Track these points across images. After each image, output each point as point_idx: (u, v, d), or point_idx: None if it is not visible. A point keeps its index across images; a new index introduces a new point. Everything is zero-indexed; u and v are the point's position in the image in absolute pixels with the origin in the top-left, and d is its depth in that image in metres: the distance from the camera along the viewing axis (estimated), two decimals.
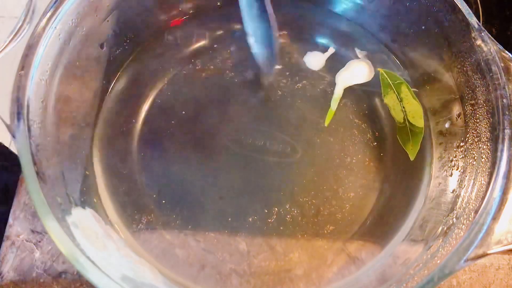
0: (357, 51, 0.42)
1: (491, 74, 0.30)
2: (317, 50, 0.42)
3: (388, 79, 0.40)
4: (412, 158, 0.38)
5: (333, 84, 0.41)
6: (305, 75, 0.41)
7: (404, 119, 0.39)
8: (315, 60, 0.41)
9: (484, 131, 0.31)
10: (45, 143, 0.30)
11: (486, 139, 0.31)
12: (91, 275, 0.26)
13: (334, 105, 0.40)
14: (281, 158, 0.38)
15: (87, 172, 0.36)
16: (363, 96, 0.41)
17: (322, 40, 0.43)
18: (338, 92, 0.40)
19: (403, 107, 0.39)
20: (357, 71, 0.41)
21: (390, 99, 0.40)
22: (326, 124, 0.39)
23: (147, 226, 0.35)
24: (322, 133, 0.39)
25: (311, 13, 0.43)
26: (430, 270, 0.27)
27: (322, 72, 0.41)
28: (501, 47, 0.31)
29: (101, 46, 0.37)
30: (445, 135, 0.37)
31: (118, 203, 0.36)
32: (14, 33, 0.29)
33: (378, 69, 0.40)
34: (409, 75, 0.41)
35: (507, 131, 0.29)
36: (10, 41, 0.29)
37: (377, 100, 0.40)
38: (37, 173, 0.27)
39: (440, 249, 0.29)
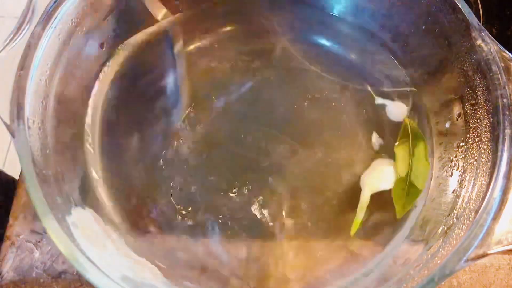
0: (374, 139, 0.38)
1: (491, 74, 0.30)
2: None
3: (409, 130, 0.37)
4: (399, 216, 0.35)
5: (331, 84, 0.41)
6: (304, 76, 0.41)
7: (406, 175, 0.36)
8: (397, 111, 0.39)
9: (485, 131, 0.31)
10: (45, 143, 0.30)
11: (487, 139, 0.31)
12: (91, 275, 0.26)
13: (360, 214, 0.36)
14: (282, 159, 0.38)
15: (87, 172, 0.36)
16: (366, 99, 0.41)
17: (321, 40, 0.43)
18: (365, 199, 0.36)
19: (411, 163, 0.36)
20: (384, 175, 0.37)
21: (401, 150, 0.37)
22: (352, 233, 0.35)
23: (147, 226, 0.35)
24: (323, 135, 0.39)
25: (309, 13, 0.43)
26: (430, 270, 0.27)
27: (325, 74, 0.41)
28: (501, 47, 0.31)
29: (101, 46, 0.37)
30: (445, 135, 0.37)
31: (118, 203, 0.36)
32: (14, 33, 0.30)
33: (405, 118, 0.38)
34: (408, 75, 0.41)
35: (507, 131, 0.29)
36: (10, 41, 0.29)
37: (380, 103, 0.40)
38: (37, 173, 0.27)
39: (440, 249, 0.29)
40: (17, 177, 0.38)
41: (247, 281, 0.34)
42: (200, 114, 0.39)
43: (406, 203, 0.35)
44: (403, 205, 0.35)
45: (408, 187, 0.35)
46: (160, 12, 0.32)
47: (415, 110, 0.39)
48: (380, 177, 0.37)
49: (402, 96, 0.40)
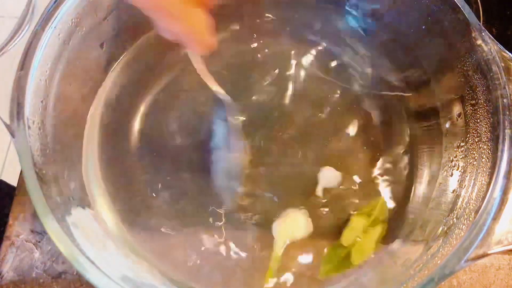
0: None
1: (491, 74, 0.30)
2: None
3: (380, 209, 0.35)
4: (320, 277, 0.34)
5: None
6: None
7: (349, 245, 0.34)
8: (330, 177, 0.37)
9: (485, 131, 0.31)
10: (45, 143, 0.30)
11: (487, 139, 0.31)
12: (90, 275, 0.26)
13: (274, 263, 0.34)
14: (281, 158, 0.38)
15: (87, 172, 0.36)
16: (363, 95, 0.41)
17: (321, 41, 0.43)
18: (279, 249, 0.34)
19: (359, 237, 0.34)
20: (297, 224, 0.35)
21: (358, 220, 0.35)
22: (266, 281, 0.34)
23: (147, 226, 0.35)
24: (323, 131, 0.39)
25: (310, 14, 0.43)
26: (430, 270, 0.27)
27: (323, 74, 0.41)
28: (501, 47, 0.31)
29: (101, 46, 0.37)
30: (445, 135, 0.37)
31: (118, 203, 0.36)
32: (14, 33, 0.30)
33: (382, 198, 0.36)
34: (408, 74, 0.41)
35: (507, 131, 0.29)
36: (10, 41, 0.29)
37: (379, 101, 0.40)
38: (37, 173, 0.27)
39: (440, 249, 0.29)
40: (17, 178, 0.38)
41: (247, 278, 0.34)
42: (201, 114, 0.39)
43: (333, 269, 0.34)
44: (329, 270, 0.34)
45: (343, 257, 0.34)
46: (217, 89, 0.33)
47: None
48: (293, 226, 0.35)
49: (400, 97, 0.40)
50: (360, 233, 0.35)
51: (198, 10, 0.26)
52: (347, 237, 0.35)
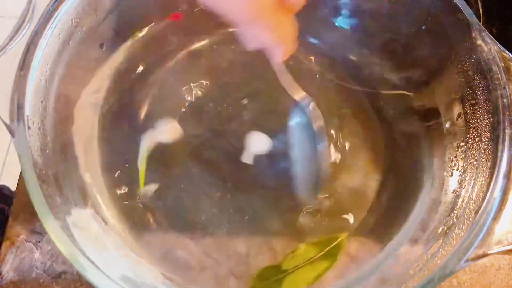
0: None
1: (491, 74, 0.30)
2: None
3: (335, 246, 0.33)
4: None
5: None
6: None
7: (286, 270, 0.33)
8: (259, 143, 0.38)
9: (485, 131, 0.31)
10: (45, 143, 0.30)
11: (487, 139, 0.31)
12: (90, 275, 0.25)
13: (142, 163, 0.36)
14: (281, 159, 0.38)
15: (87, 172, 0.36)
16: (364, 95, 0.41)
17: (322, 40, 0.43)
18: (143, 151, 0.37)
19: (300, 267, 0.32)
20: (163, 130, 0.38)
21: (307, 249, 0.33)
22: (141, 186, 0.35)
23: (147, 227, 0.35)
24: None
25: (309, 13, 0.43)
26: (430, 270, 0.27)
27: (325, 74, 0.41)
28: (501, 47, 0.31)
29: (101, 46, 0.37)
30: (445, 135, 0.37)
31: (118, 203, 0.36)
32: (14, 33, 0.30)
33: (346, 235, 0.35)
34: (408, 75, 0.41)
35: (507, 131, 0.29)
36: (10, 41, 0.29)
37: (379, 99, 0.40)
38: (37, 173, 0.27)
39: (440, 250, 0.29)
40: (17, 178, 0.38)
41: (246, 280, 0.34)
42: (200, 114, 0.39)
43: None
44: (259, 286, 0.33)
45: (276, 279, 0.32)
46: (299, 94, 0.33)
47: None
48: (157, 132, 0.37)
49: (400, 97, 0.40)
50: (304, 263, 0.33)
51: (290, 17, 0.25)
52: (288, 262, 0.33)
